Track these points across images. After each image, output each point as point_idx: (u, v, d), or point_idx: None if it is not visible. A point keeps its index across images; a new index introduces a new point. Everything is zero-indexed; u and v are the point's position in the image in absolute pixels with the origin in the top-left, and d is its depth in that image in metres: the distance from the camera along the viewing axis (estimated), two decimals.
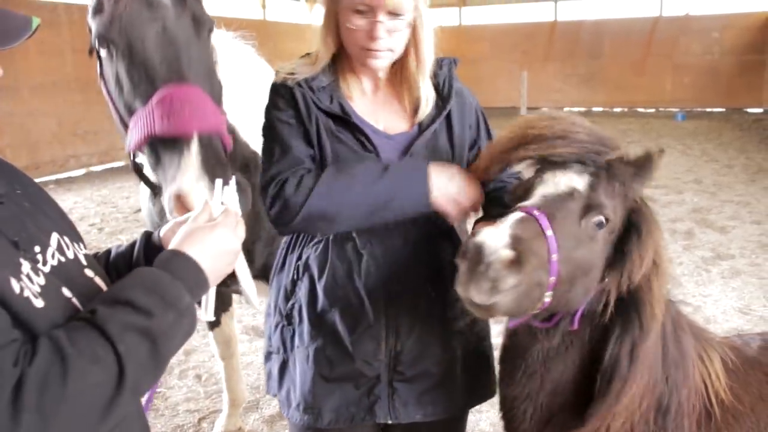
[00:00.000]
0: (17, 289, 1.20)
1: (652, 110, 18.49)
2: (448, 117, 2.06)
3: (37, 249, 1.37)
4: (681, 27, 18.65)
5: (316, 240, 2.06)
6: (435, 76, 2.08)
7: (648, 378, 1.70)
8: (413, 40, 1.97)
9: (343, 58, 2.01)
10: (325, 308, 2.02)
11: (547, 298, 1.57)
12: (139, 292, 1.28)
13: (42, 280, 1.29)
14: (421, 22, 1.95)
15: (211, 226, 1.44)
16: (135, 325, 1.23)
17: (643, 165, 1.65)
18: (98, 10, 2.03)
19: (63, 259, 1.42)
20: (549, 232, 1.54)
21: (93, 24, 2.07)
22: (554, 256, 1.53)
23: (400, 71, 2.03)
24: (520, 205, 1.63)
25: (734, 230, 7.30)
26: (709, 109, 17.28)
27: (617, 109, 17.64)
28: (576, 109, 15.61)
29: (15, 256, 1.29)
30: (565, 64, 19.78)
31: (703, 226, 7.50)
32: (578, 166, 1.66)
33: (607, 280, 1.67)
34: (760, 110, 16.89)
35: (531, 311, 1.59)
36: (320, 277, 2.04)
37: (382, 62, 1.95)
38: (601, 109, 16.89)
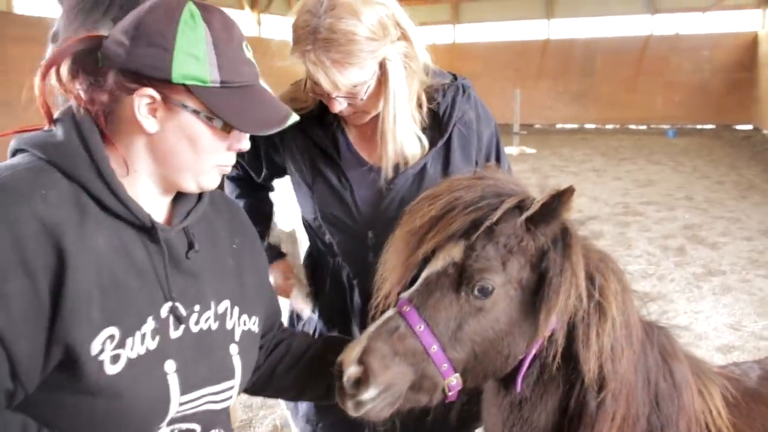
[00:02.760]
0: (95, 351, 1.22)
1: (644, 127, 18.61)
2: (447, 147, 1.98)
3: (196, 308, 1.41)
4: (671, 46, 18.86)
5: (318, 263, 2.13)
6: (434, 102, 1.96)
7: (626, 412, 1.63)
8: (384, 93, 1.84)
9: None
10: (323, 332, 2.08)
11: (455, 381, 1.55)
12: None
13: (153, 345, 1.30)
14: (392, 72, 1.81)
15: None
16: None
17: (549, 207, 1.53)
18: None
19: (214, 327, 1.44)
20: (419, 327, 1.51)
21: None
22: (433, 348, 1.51)
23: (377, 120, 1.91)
24: (400, 296, 1.60)
25: (725, 246, 7.34)
26: (699, 126, 17.40)
27: (609, 126, 17.76)
28: (569, 126, 15.66)
29: (151, 311, 1.31)
30: (557, 82, 19.92)
31: (694, 242, 7.53)
32: (460, 235, 1.56)
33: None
34: (750, 127, 17.02)
35: (433, 400, 1.57)
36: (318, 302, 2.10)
37: (361, 120, 1.91)
38: (593, 126, 16.98)
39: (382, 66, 1.80)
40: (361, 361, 1.47)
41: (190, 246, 1.42)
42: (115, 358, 1.24)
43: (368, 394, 1.47)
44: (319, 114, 1.96)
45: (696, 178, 11.01)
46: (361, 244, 1.99)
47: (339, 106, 1.82)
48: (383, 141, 1.90)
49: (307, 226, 2.15)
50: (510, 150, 12.48)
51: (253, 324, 1.57)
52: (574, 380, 1.61)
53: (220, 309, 1.47)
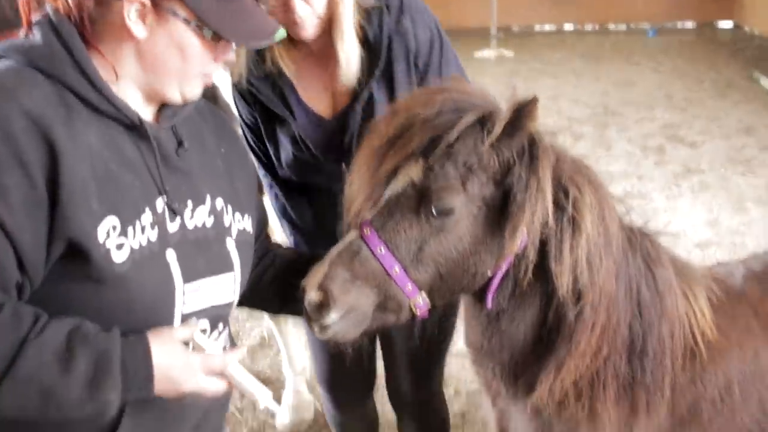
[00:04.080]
0: (101, 238, 1.27)
1: (624, 27, 18.30)
2: (389, 72, 2.00)
3: (189, 204, 1.45)
4: None
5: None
6: (363, 30, 1.97)
7: (606, 322, 1.63)
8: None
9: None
10: None
11: (421, 300, 1.54)
12: (88, 355, 1.26)
13: (154, 236, 1.36)
14: None
15: (196, 372, 1.38)
16: (46, 374, 1.22)
17: (512, 120, 1.48)
18: None
19: (210, 223, 1.49)
20: (380, 250, 1.49)
21: None
22: (395, 270, 1.49)
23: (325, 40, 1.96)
24: (360, 220, 1.56)
25: (704, 145, 7.36)
26: (680, 25, 17.14)
27: (588, 27, 17.44)
28: (547, 28, 15.36)
29: (146, 203, 1.36)
30: None
31: (674, 141, 7.54)
32: (419, 153, 1.51)
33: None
34: (731, 24, 16.80)
35: (401, 319, 1.57)
36: None
37: (308, 30, 1.89)
38: (572, 27, 16.64)
39: None
40: (322, 286, 1.46)
41: (180, 144, 1.45)
42: (119, 247, 1.30)
43: (330, 318, 1.47)
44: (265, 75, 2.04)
45: (675, 77, 10.90)
46: (338, 178, 2.05)
47: (300, 8, 1.81)
48: (337, 64, 1.96)
49: (282, 184, 2.27)
50: (488, 53, 12.23)
51: (248, 223, 1.61)
52: (551, 293, 1.60)
53: (216, 205, 1.51)
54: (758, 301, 1.87)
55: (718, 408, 1.79)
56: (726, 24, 17.02)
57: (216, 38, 1.35)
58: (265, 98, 2.06)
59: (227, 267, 1.53)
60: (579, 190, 1.57)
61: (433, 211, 1.50)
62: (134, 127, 1.37)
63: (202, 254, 1.47)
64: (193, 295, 1.44)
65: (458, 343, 4.08)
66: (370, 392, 2.76)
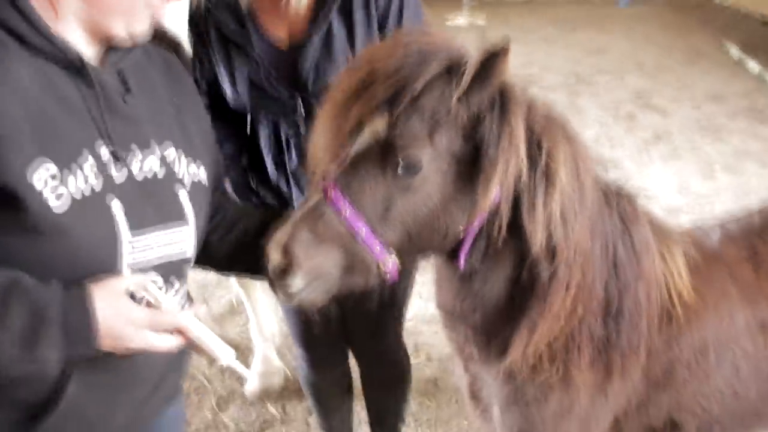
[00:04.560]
0: (37, 185, 1.18)
1: None
2: (347, 6, 1.99)
3: (137, 153, 1.35)
4: None
5: None
6: None
7: (581, 281, 1.57)
8: None
9: None
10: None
11: (390, 262, 1.46)
12: (24, 309, 1.17)
13: (97, 185, 1.27)
14: None
15: (143, 327, 1.28)
16: None
17: (482, 69, 1.37)
18: None
19: (160, 173, 1.40)
20: (345, 211, 1.41)
21: None
22: (361, 231, 1.41)
23: None
24: (324, 180, 1.47)
25: (674, 112, 7.40)
26: None
27: None
28: None
29: (88, 149, 1.27)
30: None
31: (644, 108, 7.56)
32: (383, 108, 1.41)
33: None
34: None
35: (370, 282, 1.49)
36: None
37: None
38: None
39: None
40: (285, 249, 1.38)
41: (127, 89, 1.35)
42: (58, 196, 1.21)
43: (295, 283, 1.40)
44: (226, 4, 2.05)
45: (646, 45, 10.93)
46: (292, 112, 2.08)
47: None
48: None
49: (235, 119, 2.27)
50: (460, 21, 12.11)
51: (202, 174, 1.52)
52: (524, 251, 1.53)
53: (167, 155, 1.42)
54: (735, 264, 1.84)
55: (693, 371, 1.76)
56: None
57: None
58: (224, 25, 2.05)
59: (180, 219, 1.44)
60: (553, 143, 1.48)
61: (400, 168, 1.41)
62: (75, 68, 1.27)
63: (151, 204, 1.37)
64: (141, 246, 1.35)
65: (429, 309, 4.08)
66: (346, 353, 2.71)
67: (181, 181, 1.45)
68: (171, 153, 1.44)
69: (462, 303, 1.67)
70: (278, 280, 1.42)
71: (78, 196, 1.24)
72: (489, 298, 1.63)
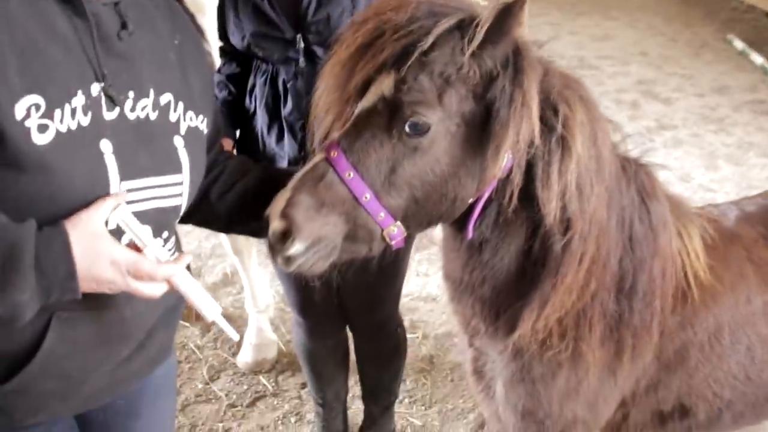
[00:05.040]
0: (19, 115, 1.10)
1: None
2: None
3: (131, 94, 1.26)
4: None
5: None
6: None
7: (596, 254, 1.51)
8: None
9: None
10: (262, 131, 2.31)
11: (395, 230, 1.39)
12: None
13: (86, 121, 1.18)
14: None
15: (123, 273, 1.20)
16: None
17: (495, 25, 1.30)
18: None
19: (154, 117, 1.31)
20: (348, 174, 1.34)
21: None
22: (366, 196, 1.34)
23: None
24: (327, 141, 1.40)
25: (678, 102, 7.33)
26: None
27: None
28: None
29: (79, 84, 1.18)
30: None
31: (648, 97, 7.49)
32: (390, 65, 1.34)
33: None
34: None
35: (374, 250, 1.43)
36: None
37: None
38: None
39: None
40: (285, 213, 1.31)
41: (123, 26, 1.25)
42: (42, 128, 1.13)
43: (295, 248, 1.33)
44: None
45: (651, 35, 10.83)
46: (292, 50, 2.08)
47: None
48: None
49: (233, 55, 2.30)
50: None
51: (201, 122, 1.42)
52: (537, 222, 1.46)
53: (162, 100, 1.32)
54: (752, 244, 1.79)
55: (706, 354, 1.71)
56: None
57: None
58: None
59: (174, 167, 1.35)
60: (569, 108, 1.41)
61: (407, 128, 1.34)
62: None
63: (145, 148, 1.28)
64: (133, 193, 1.27)
65: (426, 287, 4.03)
66: (343, 322, 2.66)
67: (176, 127, 1.37)
68: (166, 98, 1.35)
69: (470, 274, 1.60)
70: (277, 245, 1.35)
71: (65, 133, 1.16)
72: (499, 269, 1.56)
